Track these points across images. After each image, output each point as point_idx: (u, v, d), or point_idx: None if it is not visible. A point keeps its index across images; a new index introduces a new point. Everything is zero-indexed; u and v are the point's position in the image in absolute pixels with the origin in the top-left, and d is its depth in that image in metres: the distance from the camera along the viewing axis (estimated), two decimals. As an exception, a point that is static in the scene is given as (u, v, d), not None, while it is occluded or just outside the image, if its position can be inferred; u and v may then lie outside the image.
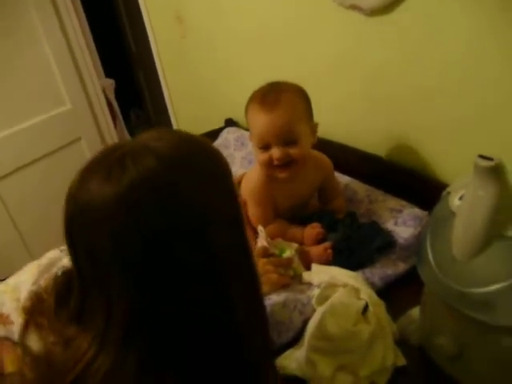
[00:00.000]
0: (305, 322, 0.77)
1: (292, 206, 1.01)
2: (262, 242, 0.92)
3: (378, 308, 0.76)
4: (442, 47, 0.89)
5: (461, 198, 0.63)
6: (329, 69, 1.16)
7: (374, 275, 0.87)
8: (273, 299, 0.79)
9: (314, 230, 0.94)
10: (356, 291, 0.80)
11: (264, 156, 0.90)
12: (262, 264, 0.84)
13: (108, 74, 2.82)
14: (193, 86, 1.90)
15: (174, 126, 2.21)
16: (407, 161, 1.06)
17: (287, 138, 0.88)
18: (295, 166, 0.90)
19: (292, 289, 0.84)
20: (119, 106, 2.93)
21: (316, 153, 1.00)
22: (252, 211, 0.98)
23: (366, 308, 0.78)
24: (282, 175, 0.91)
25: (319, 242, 0.93)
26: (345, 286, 0.81)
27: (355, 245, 0.90)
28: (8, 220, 1.99)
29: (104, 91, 2.76)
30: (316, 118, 0.95)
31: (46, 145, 2.16)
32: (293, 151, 0.88)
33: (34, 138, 2.06)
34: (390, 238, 0.91)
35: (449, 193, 0.68)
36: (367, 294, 0.79)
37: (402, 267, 0.89)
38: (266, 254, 0.88)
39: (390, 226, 0.94)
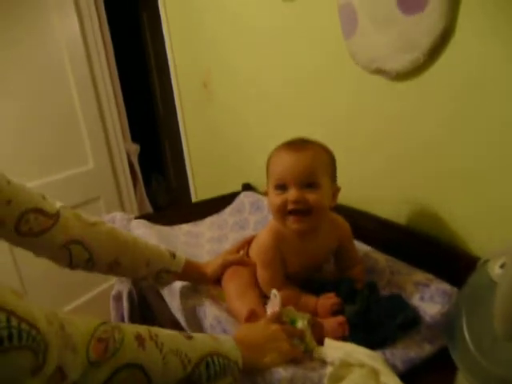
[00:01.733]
0: (313, 406, 0.66)
1: (304, 269, 0.92)
2: (274, 307, 0.83)
3: (402, 395, 0.64)
4: (471, 119, 0.84)
5: (502, 266, 0.55)
6: (347, 133, 1.14)
7: (395, 357, 0.75)
8: (279, 373, 0.68)
9: (328, 300, 0.84)
10: (375, 373, 0.69)
11: (278, 199, 0.83)
12: (275, 329, 0.74)
13: (134, 138, 2.89)
14: (213, 150, 1.91)
15: (191, 189, 2.19)
16: (431, 229, 0.98)
17: (308, 180, 0.81)
18: (311, 217, 0.83)
19: (302, 365, 0.73)
20: (141, 170, 2.98)
21: (333, 214, 0.94)
22: (260, 273, 0.90)
23: (386, 395, 0.66)
24: (295, 226, 0.83)
25: (334, 313, 0.83)
26: (362, 366, 0.70)
27: (375, 320, 0.80)
28: (13, 269, 1.94)
29: (128, 155, 2.82)
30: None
31: (65, 201, 2.16)
32: (311, 197, 0.81)
33: (54, 192, 2.07)
34: (414, 314, 0.80)
35: (486, 261, 0.59)
36: (389, 378, 0.67)
37: (427, 349, 0.77)
38: (278, 320, 0.78)
39: (415, 301, 0.84)
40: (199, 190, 2.15)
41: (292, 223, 0.83)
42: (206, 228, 1.41)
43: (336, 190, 0.88)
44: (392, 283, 0.91)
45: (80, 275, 0.86)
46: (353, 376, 0.68)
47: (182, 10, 1.83)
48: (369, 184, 1.13)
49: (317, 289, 0.89)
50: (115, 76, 2.54)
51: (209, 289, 0.96)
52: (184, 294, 0.95)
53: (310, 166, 0.82)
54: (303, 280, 0.93)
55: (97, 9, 2.21)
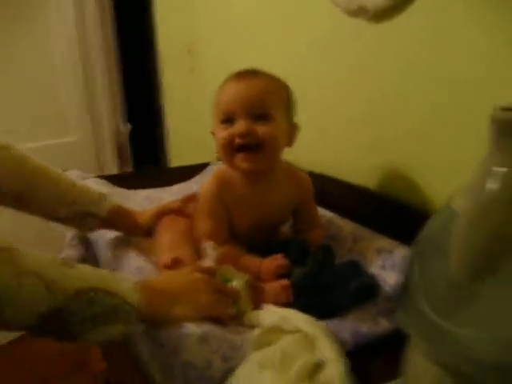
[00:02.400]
0: (228, 373, 0.53)
1: (255, 228, 0.79)
2: (208, 262, 0.70)
3: (336, 366, 0.51)
4: (454, 64, 0.73)
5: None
6: (322, 90, 1.02)
7: (345, 330, 0.62)
8: (188, 328, 0.55)
9: (274, 261, 0.71)
10: (310, 341, 0.56)
11: (224, 133, 0.71)
12: (197, 278, 0.61)
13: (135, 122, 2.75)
14: (192, 124, 1.80)
15: (167, 158, 2.08)
16: (402, 194, 0.85)
17: (257, 110, 0.70)
18: (263, 154, 0.71)
19: (225, 326, 0.60)
20: (139, 159, 2.82)
21: (293, 166, 0.81)
22: (200, 224, 0.78)
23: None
24: (243, 165, 0.71)
25: (281, 277, 0.70)
26: (296, 332, 0.57)
27: (325, 285, 0.67)
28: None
29: (118, 134, 2.71)
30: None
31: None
32: (262, 129, 0.69)
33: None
34: (372, 281, 0.67)
35: (451, 198, 0.47)
36: (325, 347, 0.54)
37: (383, 325, 0.64)
38: (210, 275, 0.65)
39: (375, 269, 0.71)
40: (175, 160, 2.04)
41: (240, 161, 0.71)
42: (168, 194, 1.29)
43: (294, 129, 0.76)
44: (353, 251, 0.78)
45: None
46: (283, 342, 0.55)
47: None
48: (338, 143, 1.01)
49: (264, 250, 0.76)
50: (111, 48, 2.42)
51: (140, 240, 0.83)
52: (111, 245, 0.82)
53: (261, 94, 0.70)
54: (253, 244, 0.79)
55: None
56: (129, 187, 1.31)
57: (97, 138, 2.42)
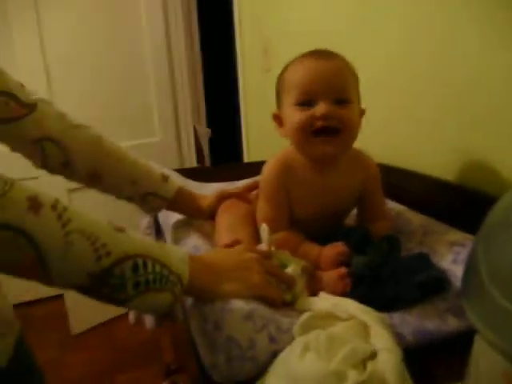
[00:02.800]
0: (274, 355, 0.51)
1: (317, 216, 0.75)
2: (264, 247, 0.69)
3: (390, 356, 0.46)
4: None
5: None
6: (395, 80, 0.96)
7: (406, 325, 0.57)
8: (233, 304, 0.53)
9: (334, 248, 0.68)
10: (364, 329, 0.52)
11: (302, 114, 0.67)
12: (249, 257, 0.60)
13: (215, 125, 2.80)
14: (268, 121, 1.80)
15: (244, 155, 2.11)
16: (482, 188, 0.77)
17: (341, 94, 0.66)
18: (339, 138, 0.67)
19: (275, 309, 0.58)
20: (217, 161, 2.90)
21: (361, 153, 0.77)
22: (259, 207, 0.76)
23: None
24: (324, 148, 0.67)
25: (340, 265, 0.66)
26: (349, 319, 0.53)
27: (388, 276, 0.62)
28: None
29: (197, 137, 2.81)
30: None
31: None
32: (344, 113, 0.66)
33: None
34: (441, 275, 0.61)
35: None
36: (380, 336, 0.50)
37: (452, 324, 0.57)
38: (266, 258, 0.63)
39: (446, 264, 0.65)
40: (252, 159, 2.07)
41: (319, 145, 0.68)
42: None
43: (361, 111, 0.72)
44: (423, 244, 0.72)
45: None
46: (334, 329, 0.52)
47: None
48: (415, 136, 0.94)
49: (325, 239, 0.73)
50: (196, 54, 2.53)
51: (203, 224, 0.84)
52: (175, 227, 0.84)
53: (342, 77, 0.67)
54: (314, 236, 0.75)
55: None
56: (203, 181, 1.34)
57: (179, 139, 2.55)
